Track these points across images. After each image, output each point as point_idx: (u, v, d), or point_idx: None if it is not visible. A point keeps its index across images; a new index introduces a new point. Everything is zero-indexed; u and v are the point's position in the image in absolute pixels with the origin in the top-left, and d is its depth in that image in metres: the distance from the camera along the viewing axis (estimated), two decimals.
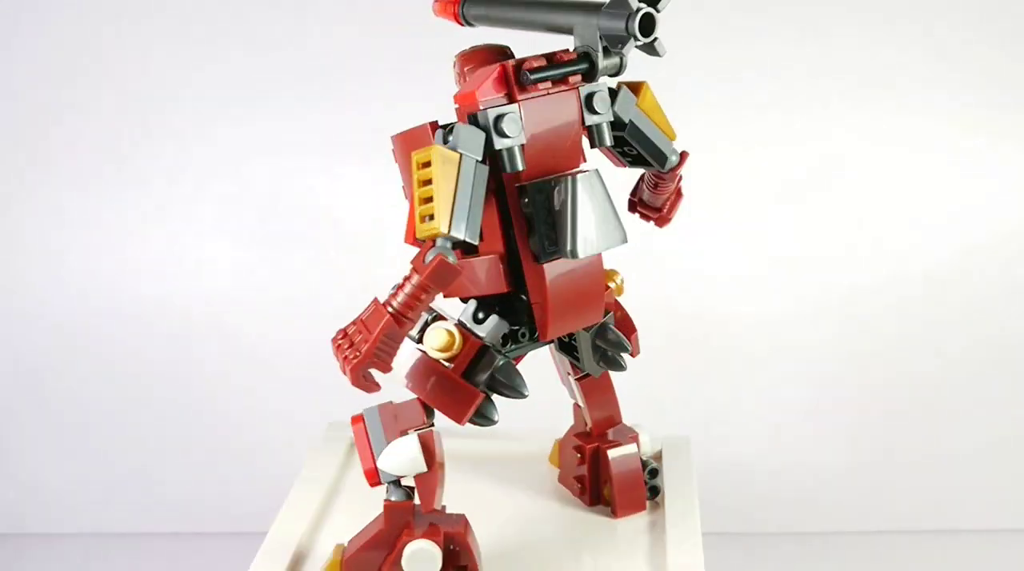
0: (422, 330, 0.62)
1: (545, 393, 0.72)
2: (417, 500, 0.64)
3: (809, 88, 1.23)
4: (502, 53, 0.63)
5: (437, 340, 0.61)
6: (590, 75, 0.60)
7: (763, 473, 1.31)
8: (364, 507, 0.67)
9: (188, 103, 1.24)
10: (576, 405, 0.76)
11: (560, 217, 0.59)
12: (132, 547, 1.33)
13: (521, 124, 0.59)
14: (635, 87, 0.65)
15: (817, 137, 1.24)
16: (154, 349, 1.30)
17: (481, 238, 0.60)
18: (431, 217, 0.56)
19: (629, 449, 0.73)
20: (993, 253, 1.26)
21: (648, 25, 0.57)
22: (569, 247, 0.59)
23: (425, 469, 0.62)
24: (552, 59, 0.60)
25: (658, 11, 0.57)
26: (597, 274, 0.64)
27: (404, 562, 0.62)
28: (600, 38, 0.59)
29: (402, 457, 0.62)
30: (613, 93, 0.63)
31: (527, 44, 0.63)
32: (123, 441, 1.32)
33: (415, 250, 0.60)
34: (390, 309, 0.57)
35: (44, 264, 1.29)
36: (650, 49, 0.59)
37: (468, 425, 0.62)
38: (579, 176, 0.59)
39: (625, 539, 0.71)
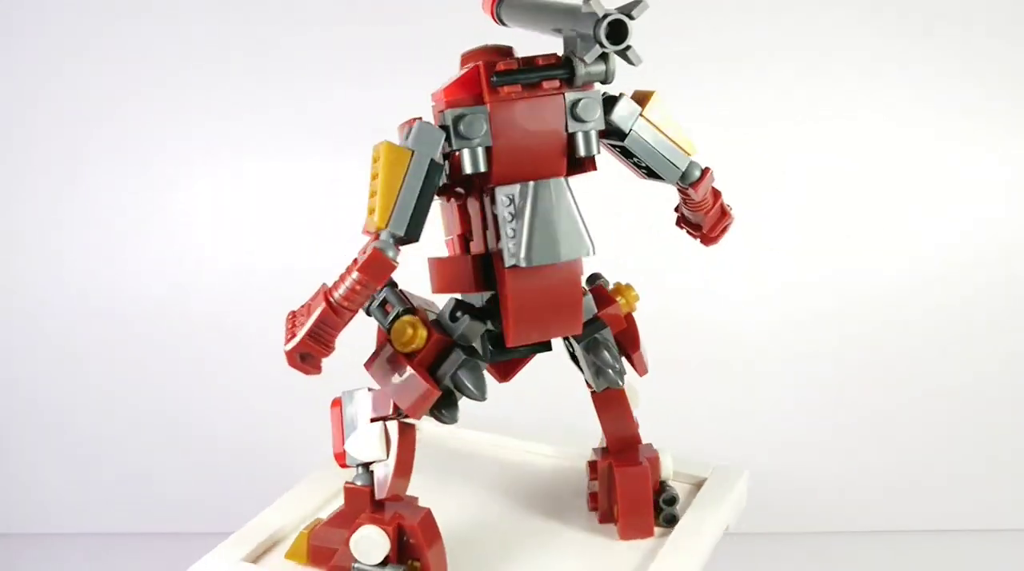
0: (392, 322, 0.62)
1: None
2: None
3: (814, 98, 1.23)
4: (502, 53, 0.61)
5: (396, 333, 0.61)
6: (570, 81, 0.59)
7: (763, 473, 1.31)
8: None
9: (188, 103, 1.24)
10: None
11: (517, 223, 0.59)
12: (132, 547, 1.33)
13: (487, 127, 0.58)
14: (642, 97, 0.62)
15: (824, 149, 1.24)
16: (154, 349, 1.30)
17: (471, 238, 0.60)
18: (374, 211, 0.56)
19: (641, 470, 0.68)
20: (996, 262, 1.26)
21: (619, 32, 0.54)
22: (523, 254, 0.59)
23: (383, 457, 0.63)
24: (529, 63, 0.58)
25: (632, 19, 0.54)
26: (572, 284, 0.62)
27: (351, 544, 0.62)
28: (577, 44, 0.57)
29: (362, 443, 0.63)
30: (612, 101, 0.61)
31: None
32: (123, 441, 1.32)
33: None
34: (331, 298, 0.57)
35: (44, 264, 1.28)
36: (624, 57, 0.56)
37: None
38: (539, 183, 0.58)
39: (610, 561, 0.67)
